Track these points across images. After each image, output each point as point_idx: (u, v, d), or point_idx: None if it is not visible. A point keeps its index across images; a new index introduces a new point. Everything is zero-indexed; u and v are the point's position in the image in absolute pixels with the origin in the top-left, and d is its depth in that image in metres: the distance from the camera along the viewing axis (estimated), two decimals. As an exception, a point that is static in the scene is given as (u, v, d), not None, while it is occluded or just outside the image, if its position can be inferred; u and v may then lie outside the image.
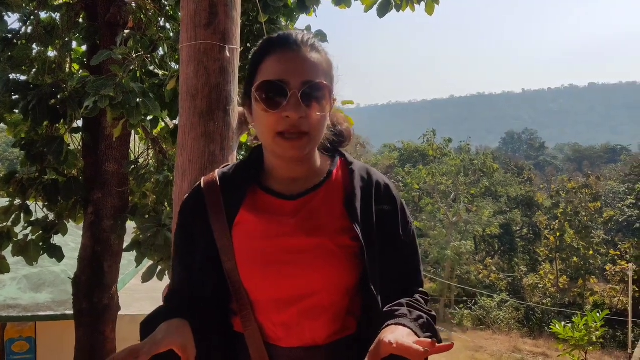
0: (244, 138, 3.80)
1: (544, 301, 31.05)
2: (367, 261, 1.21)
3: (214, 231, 1.26)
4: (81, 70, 4.50)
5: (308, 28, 3.87)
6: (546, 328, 25.57)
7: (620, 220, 36.66)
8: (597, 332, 4.87)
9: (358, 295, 1.25)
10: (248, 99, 1.25)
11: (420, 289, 1.32)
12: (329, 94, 1.21)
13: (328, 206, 1.26)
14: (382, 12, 4.13)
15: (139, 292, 7.10)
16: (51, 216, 4.46)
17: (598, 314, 5.03)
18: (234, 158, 1.94)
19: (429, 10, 4.32)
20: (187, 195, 1.38)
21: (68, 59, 4.70)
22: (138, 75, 3.79)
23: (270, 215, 1.25)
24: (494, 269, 34.30)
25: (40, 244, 4.29)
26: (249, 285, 1.23)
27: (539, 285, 33.22)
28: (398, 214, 1.31)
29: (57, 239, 4.50)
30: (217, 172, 1.35)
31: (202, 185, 1.32)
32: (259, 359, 1.22)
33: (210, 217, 1.27)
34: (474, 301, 30.07)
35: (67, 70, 4.64)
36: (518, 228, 37.53)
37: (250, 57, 1.27)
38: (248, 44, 3.72)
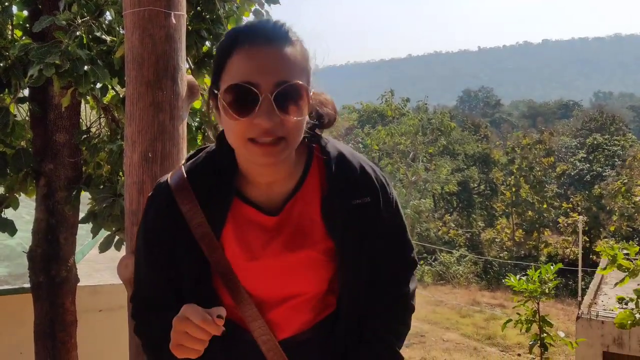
0: (197, 104, 3.74)
1: (501, 255, 32.12)
2: (343, 261, 1.25)
3: (205, 248, 1.20)
4: (24, 37, 4.31)
5: (259, -10, 3.79)
6: (503, 280, 26.50)
7: (572, 174, 37.92)
8: (550, 284, 5.10)
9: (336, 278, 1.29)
10: (214, 97, 1.11)
11: (410, 269, 1.37)
12: (306, 94, 1.08)
13: (307, 212, 1.22)
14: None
15: (99, 262, 7.01)
16: (1, 189, 4.33)
17: (552, 267, 5.26)
18: (184, 127, 1.91)
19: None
20: (153, 202, 1.25)
21: (9, 25, 4.48)
22: (85, 41, 3.65)
23: (253, 235, 1.22)
24: (453, 225, 35.18)
25: (-9, 218, 4.17)
26: None
27: (496, 240, 34.31)
28: (379, 201, 1.25)
29: (10, 212, 4.38)
30: (184, 174, 1.22)
31: (174, 192, 1.20)
32: (268, 349, 1.24)
33: (193, 229, 1.19)
34: (434, 257, 30.88)
35: (9, 37, 4.43)
36: (475, 185, 38.40)
37: (217, 50, 1.15)
38: (198, 8, 3.62)
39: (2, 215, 4.27)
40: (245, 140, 1.06)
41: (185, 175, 1.22)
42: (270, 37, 1.06)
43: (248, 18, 3.76)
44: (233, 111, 1.05)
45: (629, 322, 3.78)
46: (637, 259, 4.21)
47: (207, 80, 3.69)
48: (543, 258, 29.88)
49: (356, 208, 1.21)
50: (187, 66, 3.39)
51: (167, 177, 1.24)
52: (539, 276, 5.05)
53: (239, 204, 1.20)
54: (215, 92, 1.10)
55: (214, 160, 1.23)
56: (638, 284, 4.15)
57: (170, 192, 1.20)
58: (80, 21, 3.55)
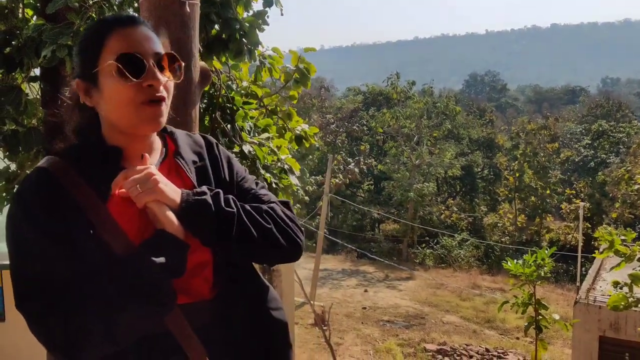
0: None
1: (502, 239, 32.19)
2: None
3: (95, 219, 1.22)
4: (35, 17, 4.37)
5: (268, -26, 3.83)
6: (504, 265, 26.54)
7: (577, 160, 37.89)
8: (545, 268, 5.21)
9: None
10: (88, 79, 1.27)
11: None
12: (178, 63, 1.32)
13: (174, 177, 1.35)
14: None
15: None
16: (13, 166, 4.43)
17: (546, 251, 5.38)
18: (196, 111, 1.99)
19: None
20: (30, 183, 1.25)
21: (21, 5, 4.54)
22: (96, 22, 3.72)
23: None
24: (456, 209, 35.24)
25: (4, 194, 4.29)
26: None
27: (499, 224, 34.37)
28: (230, 161, 1.50)
29: (19, 189, 4.49)
30: (57, 158, 1.28)
31: (53, 172, 1.24)
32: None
33: (81, 202, 1.22)
34: (435, 241, 30.97)
35: (20, 16, 4.49)
36: (479, 169, 38.38)
37: (83, 40, 1.30)
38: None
39: (14, 191, 4.39)
40: (137, 104, 1.23)
41: (61, 160, 1.27)
42: (137, 21, 1.29)
43: (257, 3, 3.81)
44: (126, 76, 1.22)
45: (622, 304, 3.89)
46: (633, 245, 4.31)
47: (216, 63, 3.76)
48: (545, 243, 29.92)
49: (212, 163, 1.45)
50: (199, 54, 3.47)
51: (36, 166, 1.28)
52: (535, 260, 5.17)
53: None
54: (89, 73, 1.25)
55: (88, 145, 1.32)
56: (633, 269, 4.25)
57: (49, 172, 1.24)
58: (91, 2, 3.62)
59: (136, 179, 1.22)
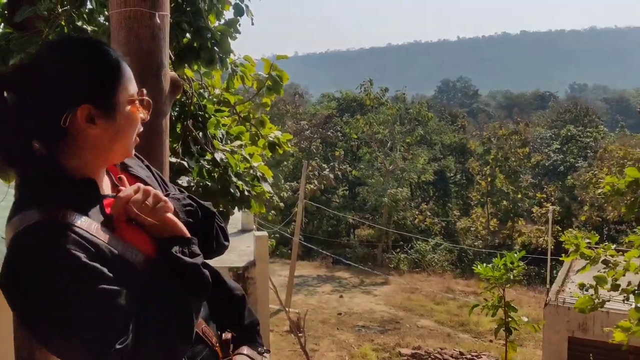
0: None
1: (475, 243, 32.53)
2: None
3: (116, 248, 1.21)
4: (2, 25, 4.33)
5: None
6: (474, 268, 26.76)
7: (547, 164, 38.58)
8: (514, 271, 5.34)
9: None
10: (102, 107, 1.22)
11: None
12: None
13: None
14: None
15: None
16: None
17: (516, 255, 5.51)
18: (167, 121, 2.01)
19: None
20: (50, 239, 1.13)
21: (-12, 12, 4.48)
22: (66, 31, 3.70)
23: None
24: (429, 214, 35.50)
25: (-29, 204, 4.21)
26: None
27: (471, 229, 34.77)
28: (157, 171, 1.59)
29: (-13, 199, 4.41)
30: (46, 207, 1.17)
31: (57, 218, 1.16)
32: None
33: (99, 237, 1.19)
34: (410, 245, 31.18)
35: (-12, 23, 4.43)
36: (452, 174, 38.79)
37: (94, 68, 1.24)
38: (179, 0, 3.69)
39: (-18, 201, 4.31)
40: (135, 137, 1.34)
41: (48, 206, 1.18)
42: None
43: (229, 12, 3.84)
44: (142, 111, 1.35)
45: (588, 307, 4.01)
46: (597, 248, 4.43)
47: (188, 71, 3.77)
48: (517, 247, 30.34)
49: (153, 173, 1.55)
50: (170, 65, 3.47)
51: (37, 221, 1.16)
52: (504, 264, 5.28)
53: (105, 201, 1.29)
54: (112, 100, 1.25)
55: (53, 184, 1.23)
56: (598, 271, 4.37)
57: (57, 222, 1.16)
58: (60, 10, 3.60)
59: (139, 199, 1.25)
